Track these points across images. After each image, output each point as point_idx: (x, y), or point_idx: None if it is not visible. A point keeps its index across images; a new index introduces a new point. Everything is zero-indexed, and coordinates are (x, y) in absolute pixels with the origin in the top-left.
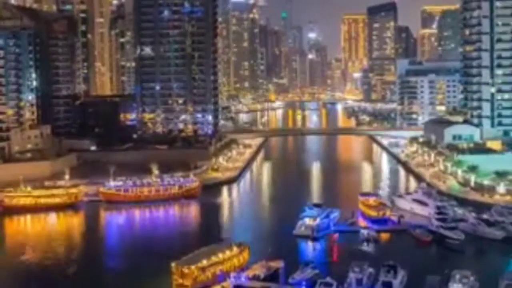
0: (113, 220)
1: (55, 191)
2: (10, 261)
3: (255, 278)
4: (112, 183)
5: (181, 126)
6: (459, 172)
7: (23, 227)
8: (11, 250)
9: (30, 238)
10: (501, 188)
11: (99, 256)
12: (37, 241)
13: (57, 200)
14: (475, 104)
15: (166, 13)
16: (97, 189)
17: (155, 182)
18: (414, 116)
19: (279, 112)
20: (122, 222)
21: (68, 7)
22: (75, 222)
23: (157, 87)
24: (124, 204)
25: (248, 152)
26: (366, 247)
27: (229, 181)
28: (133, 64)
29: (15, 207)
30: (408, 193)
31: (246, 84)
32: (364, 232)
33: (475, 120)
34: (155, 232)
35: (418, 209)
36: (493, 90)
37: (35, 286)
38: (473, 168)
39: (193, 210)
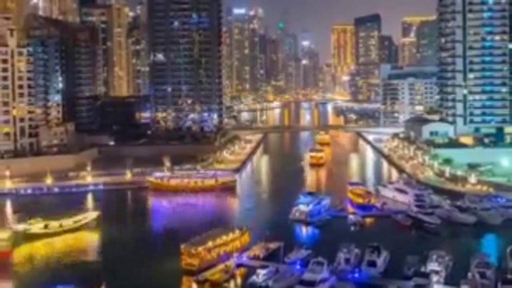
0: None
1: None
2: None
3: (255, 258)
4: (157, 173)
5: (189, 123)
6: (436, 164)
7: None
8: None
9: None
10: (473, 179)
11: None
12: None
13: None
14: (449, 104)
15: (176, 23)
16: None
17: (193, 174)
18: (395, 115)
19: (277, 111)
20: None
21: (90, 18)
22: None
23: (169, 89)
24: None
25: (249, 147)
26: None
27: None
28: (147, 68)
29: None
30: (390, 183)
31: (247, 86)
32: (352, 217)
33: (450, 118)
34: (167, 219)
35: (399, 197)
36: (465, 91)
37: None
38: (447, 161)
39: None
